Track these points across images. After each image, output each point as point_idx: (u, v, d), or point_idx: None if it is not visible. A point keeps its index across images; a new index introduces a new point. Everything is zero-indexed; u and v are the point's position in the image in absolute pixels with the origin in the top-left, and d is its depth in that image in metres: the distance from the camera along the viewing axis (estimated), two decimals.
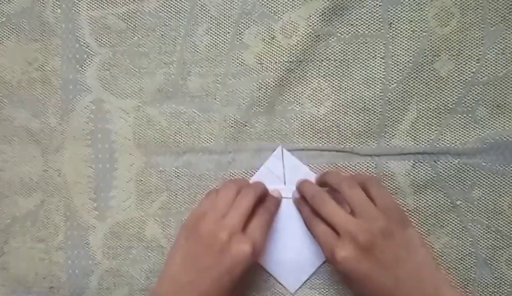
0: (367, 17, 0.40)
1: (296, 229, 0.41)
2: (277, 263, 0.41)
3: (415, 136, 0.40)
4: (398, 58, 0.40)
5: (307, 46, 0.40)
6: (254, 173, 0.42)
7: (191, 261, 0.36)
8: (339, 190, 0.37)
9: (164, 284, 0.36)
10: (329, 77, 0.41)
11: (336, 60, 0.40)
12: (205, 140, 0.42)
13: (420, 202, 0.40)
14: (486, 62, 0.39)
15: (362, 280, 0.34)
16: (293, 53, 0.40)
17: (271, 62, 0.41)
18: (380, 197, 0.36)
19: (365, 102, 0.40)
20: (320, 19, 0.40)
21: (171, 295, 0.35)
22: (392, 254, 0.34)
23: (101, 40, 0.43)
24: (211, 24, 0.42)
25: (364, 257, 0.34)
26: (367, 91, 0.40)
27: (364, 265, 0.34)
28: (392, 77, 0.40)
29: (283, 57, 0.41)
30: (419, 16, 0.39)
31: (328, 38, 0.40)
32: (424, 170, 0.40)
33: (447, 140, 0.40)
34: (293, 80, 0.41)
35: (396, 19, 0.39)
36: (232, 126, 0.42)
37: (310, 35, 0.40)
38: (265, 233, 0.37)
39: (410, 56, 0.39)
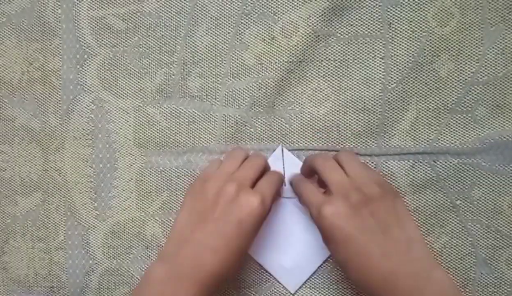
0: (366, 18, 0.40)
1: (296, 229, 0.41)
2: (277, 263, 0.41)
3: (414, 136, 0.40)
4: (397, 58, 0.40)
5: (307, 47, 0.40)
6: None
7: (197, 216, 0.34)
8: (322, 174, 0.36)
9: (170, 241, 0.35)
10: (329, 78, 0.41)
11: (336, 60, 0.40)
12: (205, 140, 0.42)
13: (419, 201, 0.40)
14: (486, 62, 0.39)
15: (347, 242, 0.32)
16: (293, 54, 0.41)
17: (271, 62, 0.41)
18: (372, 175, 0.36)
19: (364, 103, 0.40)
20: (320, 19, 0.40)
21: (177, 250, 0.34)
22: (382, 220, 0.32)
23: (102, 40, 0.43)
24: (211, 24, 0.42)
25: (353, 215, 0.32)
26: (367, 91, 0.40)
27: (352, 223, 0.32)
28: (391, 78, 0.40)
29: (283, 57, 0.41)
30: (418, 16, 0.39)
31: (328, 39, 0.40)
32: (423, 170, 0.40)
33: (447, 140, 0.40)
34: (293, 80, 0.41)
35: (396, 19, 0.40)
36: (232, 126, 0.42)
37: (310, 36, 0.40)
38: (274, 190, 0.36)
39: (410, 56, 0.39)
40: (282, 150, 0.41)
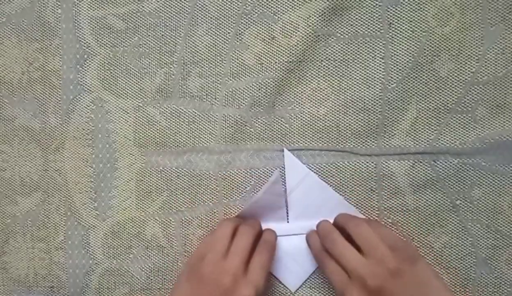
0: (366, 17, 0.40)
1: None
2: (278, 262, 0.41)
3: (414, 136, 0.40)
4: (397, 58, 0.40)
5: (307, 46, 0.40)
6: (254, 172, 0.42)
7: None
8: (346, 228, 0.37)
9: None
10: (329, 77, 0.41)
11: (336, 60, 0.40)
12: (205, 140, 0.42)
13: (419, 201, 0.40)
14: (486, 62, 0.39)
15: None
16: (293, 53, 0.41)
17: (271, 62, 0.41)
18: (386, 236, 0.36)
19: (364, 102, 0.40)
20: (319, 19, 0.40)
21: None
22: (403, 295, 0.34)
23: (102, 40, 0.43)
24: (211, 24, 0.42)
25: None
26: (367, 91, 0.40)
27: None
28: (391, 77, 0.40)
29: (283, 57, 0.41)
30: (419, 16, 0.39)
31: (328, 38, 0.40)
32: (423, 170, 0.40)
33: (447, 140, 0.40)
34: (293, 80, 0.41)
35: (396, 19, 0.40)
36: (232, 126, 0.42)
37: (310, 35, 0.40)
38: (267, 272, 0.37)
39: (410, 56, 0.39)
40: (279, 174, 0.40)
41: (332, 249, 0.37)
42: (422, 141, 0.40)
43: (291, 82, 0.41)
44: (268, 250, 0.38)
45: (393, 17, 0.40)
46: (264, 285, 0.36)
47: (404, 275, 0.34)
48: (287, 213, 0.41)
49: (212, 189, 0.42)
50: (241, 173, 0.42)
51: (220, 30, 0.42)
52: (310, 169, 0.41)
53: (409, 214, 0.40)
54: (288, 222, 0.41)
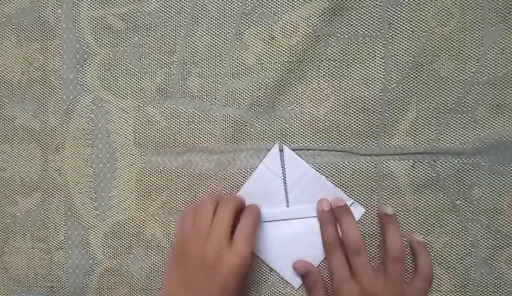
0: (366, 17, 0.40)
1: (299, 226, 0.41)
2: (280, 258, 0.41)
3: (414, 136, 0.40)
4: (397, 58, 0.40)
5: (307, 46, 0.40)
6: (253, 171, 0.42)
7: (183, 282, 0.36)
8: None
9: None
10: (329, 77, 0.41)
11: (336, 60, 0.40)
12: (205, 140, 0.42)
13: (419, 201, 0.40)
14: (486, 62, 0.39)
15: None
16: (293, 53, 0.41)
17: (271, 62, 0.41)
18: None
19: (364, 102, 0.40)
20: (319, 19, 0.40)
21: None
22: None
23: (101, 40, 0.43)
24: (211, 24, 0.42)
25: None
26: (367, 91, 0.40)
27: None
28: (391, 77, 0.40)
29: (283, 57, 0.41)
30: (419, 16, 0.39)
31: (328, 38, 0.40)
32: (423, 170, 0.40)
33: (447, 140, 0.40)
34: (293, 80, 0.41)
35: (396, 19, 0.40)
36: (232, 126, 0.42)
37: (310, 36, 0.40)
38: (251, 240, 0.37)
39: (410, 56, 0.39)
40: (280, 148, 0.41)
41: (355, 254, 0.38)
42: (422, 141, 0.40)
43: (291, 82, 0.41)
44: (251, 219, 0.39)
45: (393, 17, 0.40)
46: (249, 253, 0.36)
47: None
48: (287, 200, 0.41)
49: (212, 189, 0.42)
50: (241, 173, 0.42)
51: (220, 30, 0.42)
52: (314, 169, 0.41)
53: (409, 214, 0.40)
54: (288, 206, 0.41)
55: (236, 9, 0.41)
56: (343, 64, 0.40)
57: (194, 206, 0.39)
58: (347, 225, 0.39)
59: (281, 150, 0.41)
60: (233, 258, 0.35)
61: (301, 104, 0.41)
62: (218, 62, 0.42)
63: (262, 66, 0.41)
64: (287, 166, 0.41)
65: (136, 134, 0.43)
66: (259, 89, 0.41)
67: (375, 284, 0.37)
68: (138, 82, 0.43)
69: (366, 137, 0.40)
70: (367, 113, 0.40)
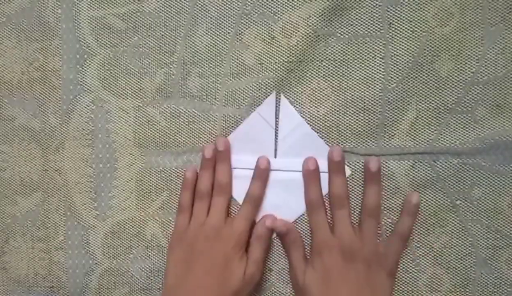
0: (366, 17, 0.40)
1: (282, 178, 0.41)
2: (269, 202, 0.41)
3: (414, 136, 0.40)
4: (397, 58, 0.40)
5: (307, 46, 0.40)
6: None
7: (185, 268, 0.38)
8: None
9: None
10: (328, 77, 0.41)
11: (336, 60, 0.40)
12: (205, 140, 0.42)
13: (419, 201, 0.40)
14: (486, 62, 0.39)
15: (327, 277, 0.37)
16: (293, 53, 0.41)
17: (271, 62, 0.41)
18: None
19: (364, 102, 0.40)
20: (319, 19, 0.40)
21: None
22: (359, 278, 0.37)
23: (101, 40, 0.43)
24: (211, 24, 0.42)
25: (343, 262, 0.37)
26: (367, 91, 0.40)
27: (337, 268, 0.37)
28: (391, 77, 0.40)
29: (283, 57, 0.41)
30: (419, 16, 0.39)
31: (328, 38, 0.40)
32: (423, 170, 0.40)
33: (447, 140, 0.40)
34: (293, 80, 0.41)
35: (396, 19, 0.40)
36: (232, 126, 0.42)
37: (310, 35, 0.40)
38: (262, 265, 0.40)
39: (410, 56, 0.39)
40: (276, 98, 0.41)
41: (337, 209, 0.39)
42: (422, 141, 0.40)
43: (291, 82, 0.41)
44: (263, 245, 0.40)
45: (393, 17, 0.40)
46: (259, 276, 0.39)
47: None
48: (275, 150, 0.41)
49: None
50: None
51: (220, 30, 0.42)
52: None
53: None
54: (275, 157, 0.41)
55: (236, 9, 0.41)
56: (343, 64, 0.40)
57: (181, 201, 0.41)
58: (337, 179, 0.39)
59: (278, 99, 0.41)
60: (240, 224, 0.39)
61: (301, 104, 0.41)
62: (218, 62, 0.42)
63: (262, 66, 0.41)
64: (281, 117, 0.41)
65: (136, 134, 0.43)
66: (259, 89, 0.41)
67: (354, 240, 0.37)
68: (138, 82, 0.43)
69: (366, 137, 0.40)
70: (367, 113, 0.40)
